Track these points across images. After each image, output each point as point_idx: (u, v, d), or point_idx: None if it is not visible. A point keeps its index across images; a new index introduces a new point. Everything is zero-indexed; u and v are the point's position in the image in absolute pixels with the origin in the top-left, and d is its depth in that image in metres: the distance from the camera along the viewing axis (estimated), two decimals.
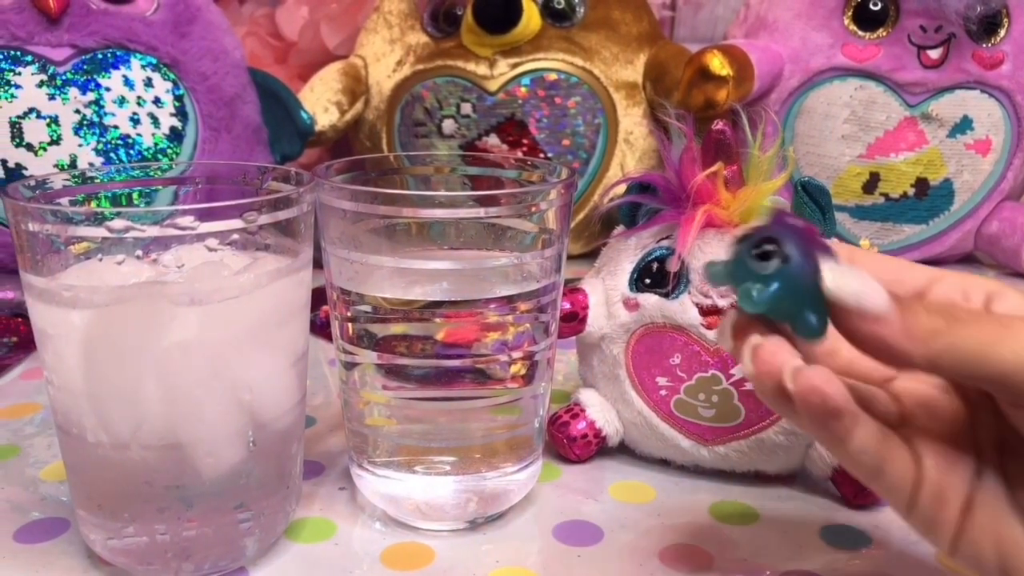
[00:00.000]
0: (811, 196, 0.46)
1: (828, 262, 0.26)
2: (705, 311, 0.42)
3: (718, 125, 0.43)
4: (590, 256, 0.51)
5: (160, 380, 0.33)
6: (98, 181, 0.40)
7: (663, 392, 0.43)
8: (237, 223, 0.33)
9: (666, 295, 0.43)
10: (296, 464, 0.39)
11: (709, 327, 0.42)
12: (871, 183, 0.80)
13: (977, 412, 0.30)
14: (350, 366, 0.40)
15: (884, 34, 0.78)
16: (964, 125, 0.78)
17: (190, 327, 0.33)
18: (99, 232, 0.32)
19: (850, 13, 0.79)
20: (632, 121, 0.82)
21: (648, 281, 0.44)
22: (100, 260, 0.33)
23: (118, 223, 0.31)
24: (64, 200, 0.38)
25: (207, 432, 0.34)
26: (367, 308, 0.39)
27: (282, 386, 0.37)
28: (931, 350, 0.26)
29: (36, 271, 0.34)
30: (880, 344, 0.26)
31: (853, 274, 0.26)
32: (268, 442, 0.36)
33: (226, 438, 0.35)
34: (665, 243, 0.44)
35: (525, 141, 0.79)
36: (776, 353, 0.27)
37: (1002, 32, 0.77)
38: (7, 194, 0.34)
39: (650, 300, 0.43)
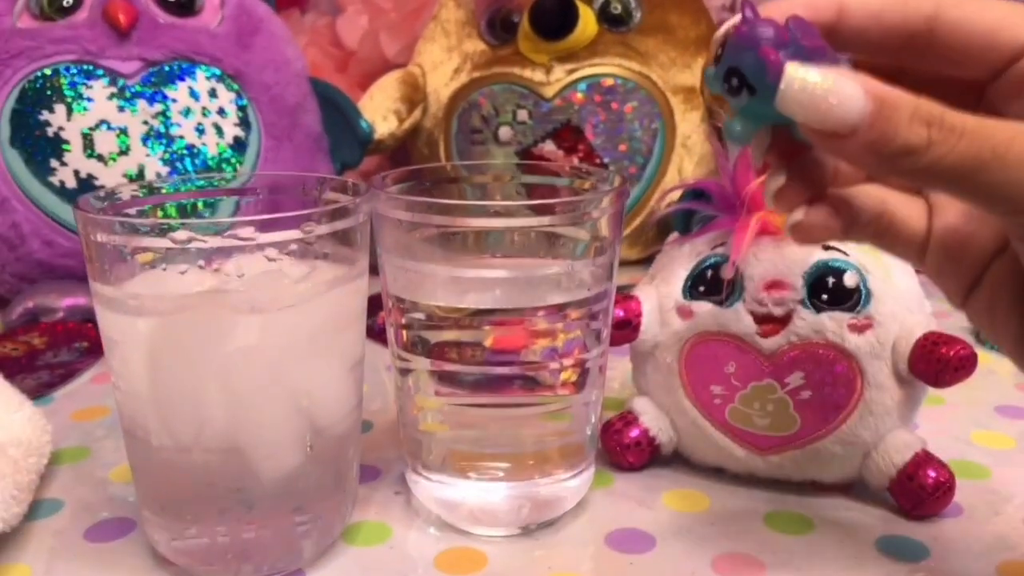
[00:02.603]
0: None
1: (797, 71, 0.24)
2: (760, 319, 0.42)
3: None
4: (647, 262, 0.51)
5: (222, 386, 0.34)
6: (164, 192, 0.41)
7: (717, 401, 0.43)
8: (295, 233, 0.34)
9: (720, 303, 0.43)
10: (352, 468, 0.40)
11: (764, 335, 0.41)
12: None
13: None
14: (404, 372, 0.41)
15: None
16: None
17: (251, 334, 0.34)
18: (163, 243, 0.33)
19: None
20: (690, 126, 0.81)
21: (702, 289, 0.43)
22: (164, 269, 0.34)
23: (181, 234, 0.32)
24: (132, 210, 0.39)
25: (266, 436, 0.35)
26: (421, 315, 0.39)
27: (339, 392, 0.38)
28: (906, 168, 0.23)
29: (104, 280, 0.35)
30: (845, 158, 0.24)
31: (824, 86, 0.23)
32: (325, 446, 0.37)
33: (285, 442, 0.36)
34: (720, 250, 0.44)
35: (581, 147, 0.79)
36: None
37: None
38: (78, 207, 0.35)
39: (704, 308, 0.43)
